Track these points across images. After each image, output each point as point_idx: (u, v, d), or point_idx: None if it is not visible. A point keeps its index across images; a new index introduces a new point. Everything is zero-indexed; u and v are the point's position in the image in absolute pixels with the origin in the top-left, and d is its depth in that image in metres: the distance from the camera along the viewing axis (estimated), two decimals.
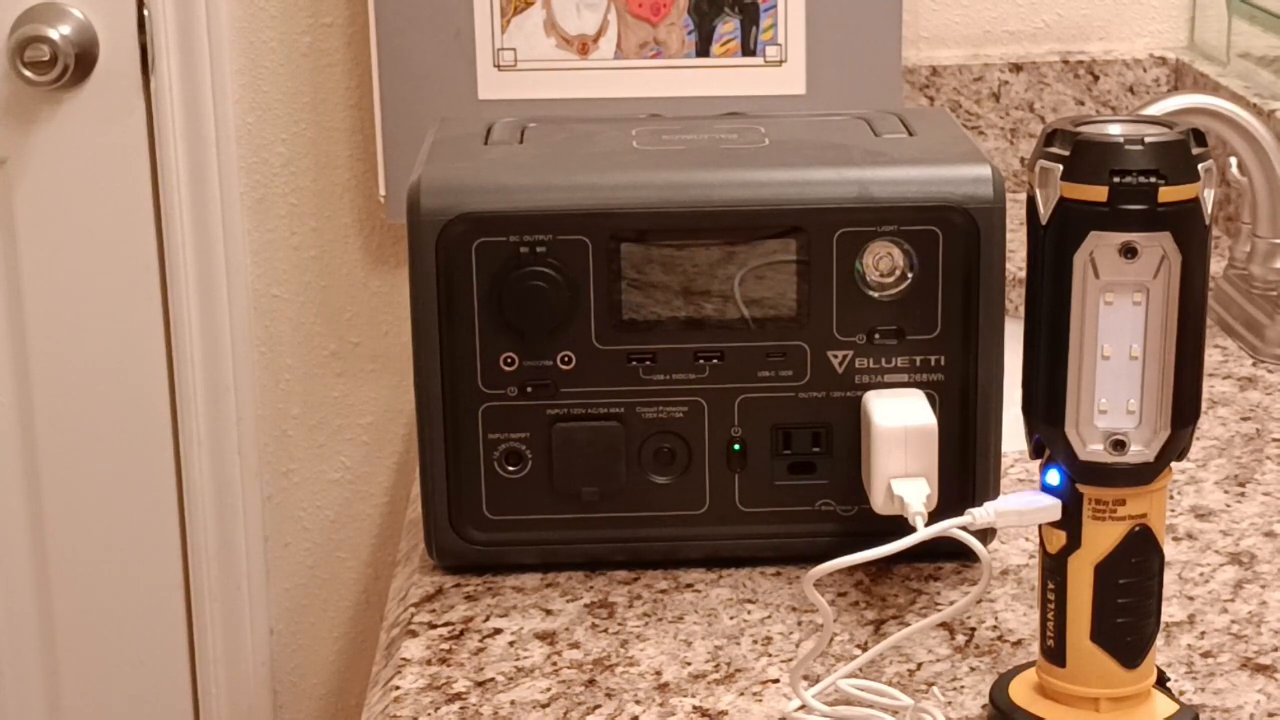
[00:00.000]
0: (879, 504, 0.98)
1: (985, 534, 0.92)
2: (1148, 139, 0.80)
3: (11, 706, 1.87)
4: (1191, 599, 1.00)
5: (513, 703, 0.91)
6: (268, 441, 1.88)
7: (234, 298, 1.81)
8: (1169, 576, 1.01)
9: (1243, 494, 1.13)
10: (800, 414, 1.02)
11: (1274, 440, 1.22)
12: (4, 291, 1.78)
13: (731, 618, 0.99)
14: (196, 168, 1.76)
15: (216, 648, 1.89)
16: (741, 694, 0.92)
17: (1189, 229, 0.81)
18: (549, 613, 1.00)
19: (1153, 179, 0.80)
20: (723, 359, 1.02)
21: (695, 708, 0.91)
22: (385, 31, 1.68)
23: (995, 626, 0.97)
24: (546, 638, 0.98)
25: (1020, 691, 0.88)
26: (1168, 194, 0.80)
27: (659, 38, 1.69)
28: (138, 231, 1.78)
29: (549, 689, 0.93)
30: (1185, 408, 0.83)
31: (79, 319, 1.79)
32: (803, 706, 0.89)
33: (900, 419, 0.98)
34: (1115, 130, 0.81)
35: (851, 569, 0.98)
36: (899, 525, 0.93)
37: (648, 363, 1.01)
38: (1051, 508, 0.84)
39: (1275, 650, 0.95)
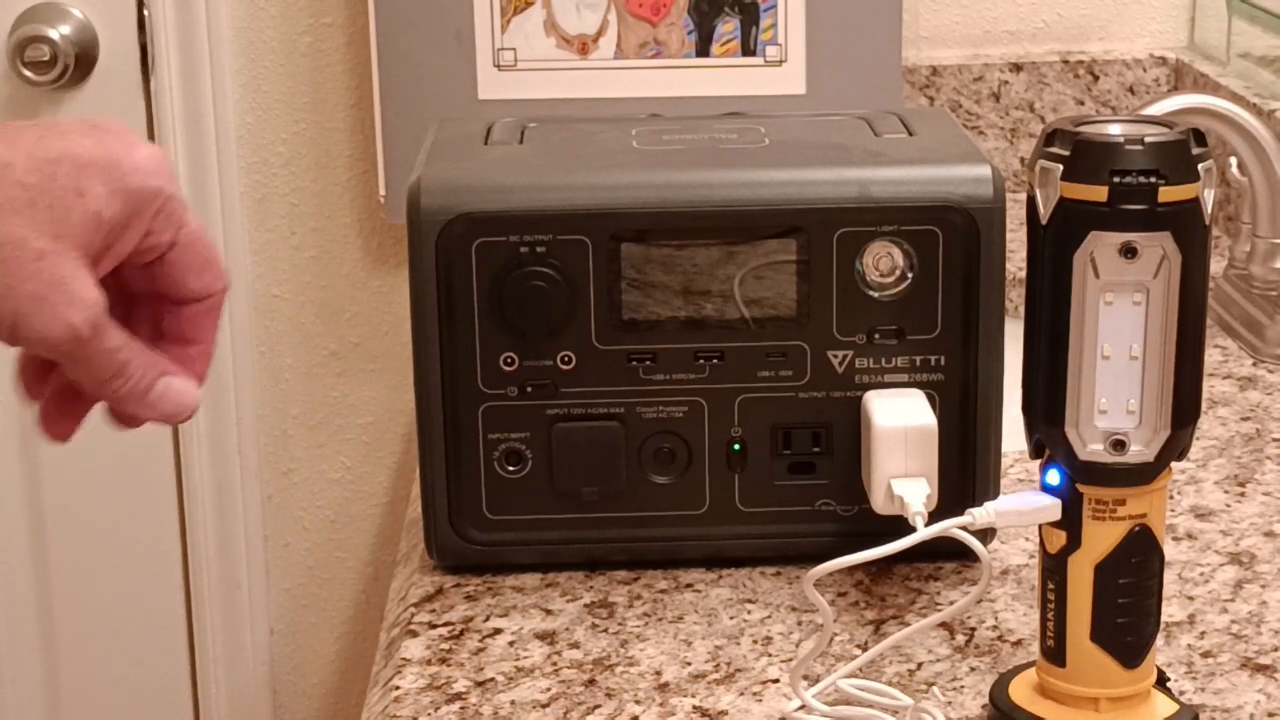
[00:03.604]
0: (879, 504, 0.98)
1: (985, 534, 0.92)
2: (1148, 139, 0.80)
3: (11, 706, 1.87)
4: (1191, 599, 1.00)
5: (513, 703, 0.91)
6: (268, 441, 1.88)
7: (234, 298, 1.81)
8: (1169, 576, 1.01)
9: (1243, 494, 1.13)
10: (800, 414, 1.02)
11: (1274, 440, 1.22)
12: None
13: (731, 618, 0.99)
14: (196, 168, 1.76)
15: (216, 648, 1.89)
16: (741, 694, 0.92)
17: (1189, 229, 0.81)
18: (549, 613, 1.00)
19: (1153, 179, 0.80)
20: (723, 359, 1.01)
21: (695, 708, 0.91)
22: (385, 31, 1.68)
23: (995, 626, 0.97)
24: (546, 638, 0.98)
25: (1020, 691, 0.88)
26: (1168, 194, 0.80)
27: (659, 38, 1.69)
28: None
29: (549, 689, 0.93)
30: (1185, 408, 0.83)
31: None
32: (803, 706, 0.89)
33: (900, 419, 0.98)
34: (1115, 130, 0.81)
35: (851, 569, 0.98)
36: (899, 525, 0.93)
37: (648, 363, 1.01)
38: (1051, 508, 0.84)
39: (1275, 650, 0.95)
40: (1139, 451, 0.83)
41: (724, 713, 0.90)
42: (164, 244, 0.83)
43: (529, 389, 1.01)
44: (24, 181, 0.78)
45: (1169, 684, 0.88)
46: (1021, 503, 0.85)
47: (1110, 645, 0.85)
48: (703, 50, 1.70)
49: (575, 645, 0.97)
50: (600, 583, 1.03)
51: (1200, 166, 0.81)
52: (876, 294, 1.01)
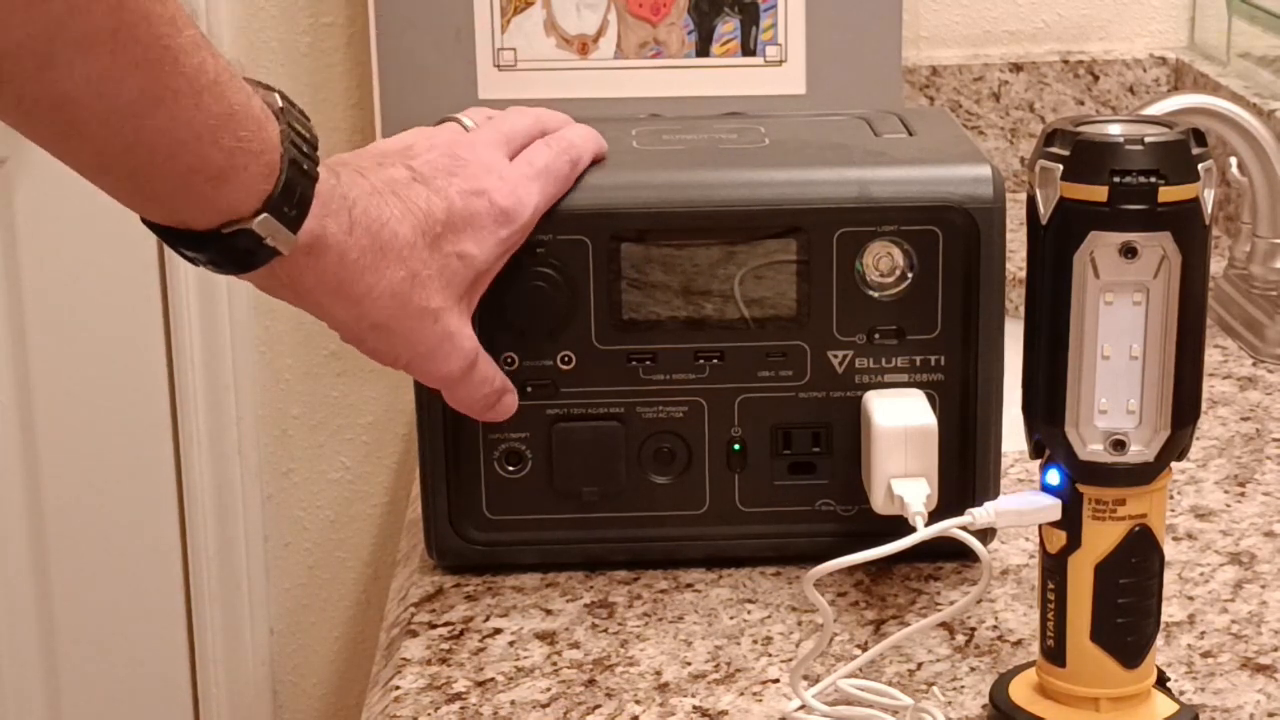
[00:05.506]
0: (879, 504, 0.98)
1: (985, 534, 0.92)
2: (1148, 139, 0.80)
3: (11, 706, 1.87)
4: (1191, 599, 1.00)
5: (513, 703, 0.91)
6: (268, 441, 1.88)
7: (234, 298, 1.81)
8: (1169, 576, 1.01)
9: (1243, 494, 1.13)
10: (800, 414, 1.02)
11: (1274, 440, 1.22)
12: (4, 291, 1.78)
13: (731, 618, 0.99)
14: None
15: (216, 648, 1.89)
16: (741, 694, 0.92)
17: (1189, 229, 0.81)
18: (549, 613, 1.00)
19: (1153, 179, 0.80)
20: (723, 359, 1.01)
21: (695, 708, 0.91)
22: (385, 31, 1.68)
23: (995, 626, 0.97)
24: (546, 638, 0.98)
25: (1020, 691, 0.88)
26: (1168, 194, 0.80)
27: (659, 38, 1.69)
28: (138, 231, 1.77)
29: (549, 689, 0.93)
30: (1185, 408, 0.83)
31: (79, 319, 1.79)
32: (803, 706, 0.89)
33: (900, 419, 0.98)
34: (1115, 130, 0.81)
35: (851, 569, 0.98)
36: (899, 525, 0.93)
37: (648, 363, 1.01)
38: (1051, 508, 0.84)
39: (1275, 650, 0.95)
40: (1139, 451, 0.83)
41: (724, 713, 0.90)
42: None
43: (529, 389, 1.01)
44: (425, 256, 0.89)
45: (1169, 684, 0.88)
46: (1021, 503, 0.85)
47: (1110, 645, 0.85)
48: (703, 50, 1.70)
49: (575, 645, 0.97)
50: (600, 583, 1.03)
51: (1200, 166, 0.81)
52: (876, 294, 1.01)
